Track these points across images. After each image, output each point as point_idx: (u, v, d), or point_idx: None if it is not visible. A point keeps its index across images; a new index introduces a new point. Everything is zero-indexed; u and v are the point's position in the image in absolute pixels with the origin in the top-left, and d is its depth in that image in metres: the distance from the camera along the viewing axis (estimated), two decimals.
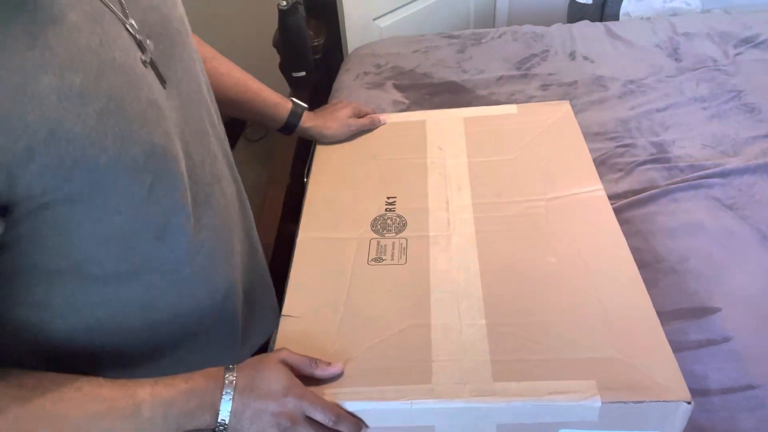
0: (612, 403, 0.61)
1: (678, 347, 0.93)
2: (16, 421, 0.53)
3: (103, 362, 0.67)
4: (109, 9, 0.56)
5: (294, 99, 1.02)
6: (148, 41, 0.60)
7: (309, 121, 1.02)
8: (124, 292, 0.63)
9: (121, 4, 0.57)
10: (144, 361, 0.70)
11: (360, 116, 1.07)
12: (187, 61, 0.67)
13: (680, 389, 0.62)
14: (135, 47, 0.58)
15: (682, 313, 0.99)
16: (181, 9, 0.68)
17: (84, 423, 0.56)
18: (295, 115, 1.00)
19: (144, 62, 0.59)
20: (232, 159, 0.78)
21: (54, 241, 0.55)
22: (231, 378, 0.62)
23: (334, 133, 1.04)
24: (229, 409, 0.60)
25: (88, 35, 0.53)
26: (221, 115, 0.93)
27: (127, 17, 0.58)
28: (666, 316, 0.98)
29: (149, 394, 0.59)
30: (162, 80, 0.61)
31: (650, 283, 1.00)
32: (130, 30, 0.58)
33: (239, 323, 0.80)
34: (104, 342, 0.65)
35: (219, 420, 0.60)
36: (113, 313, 0.64)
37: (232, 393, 0.61)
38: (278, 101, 0.99)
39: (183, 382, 0.61)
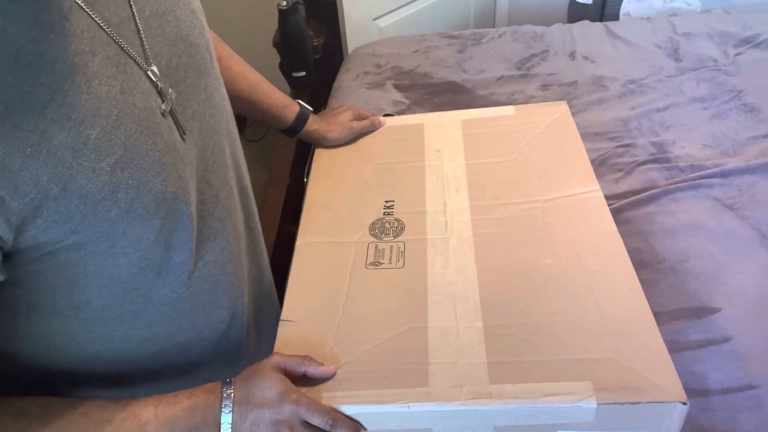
0: (608, 404, 0.61)
1: (678, 347, 0.93)
2: None
3: (103, 387, 0.67)
4: (130, 56, 0.55)
5: (301, 102, 1.03)
6: (169, 89, 0.59)
7: (314, 124, 1.03)
8: (124, 329, 0.63)
9: (143, 47, 0.57)
10: (144, 385, 0.70)
11: (360, 119, 1.07)
12: (212, 91, 0.67)
13: (676, 390, 0.62)
14: (155, 94, 0.57)
15: (682, 313, 0.99)
16: (207, 35, 0.68)
17: None
18: (302, 118, 1.01)
19: (163, 112, 0.58)
20: (248, 184, 0.78)
21: (56, 284, 0.55)
22: (228, 391, 0.62)
23: (336, 137, 1.04)
24: (230, 422, 0.61)
25: (109, 82, 0.52)
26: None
27: (149, 63, 0.57)
28: (666, 316, 0.98)
29: (153, 414, 0.59)
30: (181, 129, 0.61)
31: (650, 284, 1.01)
32: (151, 77, 0.57)
33: (245, 351, 0.79)
34: (104, 370, 0.65)
35: None
36: (112, 347, 0.64)
37: (231, 406, 0.61)
38: (287, 104, 1.00)
39: (186, 398, 0.61)
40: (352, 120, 1.05)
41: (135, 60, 0.56)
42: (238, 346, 0.78)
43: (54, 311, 0.58)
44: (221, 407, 0.61)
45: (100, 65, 0.51)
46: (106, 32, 0.53)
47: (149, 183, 0.55)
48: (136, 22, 0.57)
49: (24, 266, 0.52)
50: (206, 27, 0.68)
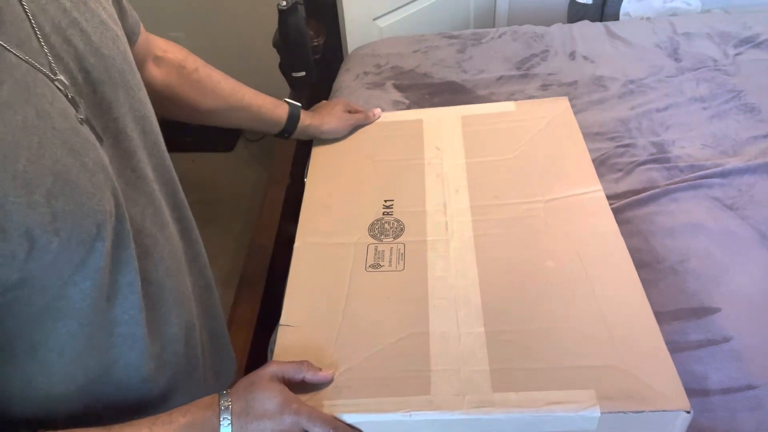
0: (611, 413, 0.61)
1: (678, 347, 0.93)
2: None
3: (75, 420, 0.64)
4: (37, 69, 0.52)
5: (288, 100, 1.01)
6: (78, 98, 0.56)
7: (306, 119, 1.01)
8: (84, 364, 0.60)
9: (49, 62, 0.53)
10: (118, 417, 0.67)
11: (353, 112, 1.06)
12: (131, 103, 0.63)
13: (679, 398, 0.62)
14: (69, 106, 0.54)
15: (682, 313, 0.99)
16: (123, 44, 0.64)
17: None
18: (294, 115, 0.99)
19: (80, 120, 0.55)
20: (182, 199, 0.74)
21: (9, 327, 0.53)
22: (226, 404, 0.61)
23: (332, 128, 1.03)
24: None
25: (23, 110, 0.49)
26: (222, 126, 0.91)
27: (55, 74, 0.54)
28: (666, 316, 0.98)
29: None
30: (98, 136, 0.57)
31: (650, 284, 1.01)
32: (60, 88, 0.54)
33: (202, 368, 0.77)
34: (70, 412, 0.63)
35: None
36: (76, 386, 0.61)
37: (230, 418, 0.60)
38: (276, 103, 0.98)
39: (181, 416, 0.60)
40: (345, 111, 1.04)
41: (45, 74, 0.53)
42: (197, 364, 0.76)
43: (10, 354, 0.55)
44: (220, 421, 0.60)
45: (10, 93, 0.48)
46: (13, 53, 0.50)
47: (85, 206, 0.52)
48: (38, 38, 0.53)
49: None
50: (122, 36, 0.64)
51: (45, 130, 0.50)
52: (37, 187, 0.49)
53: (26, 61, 0.51)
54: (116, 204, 0.57)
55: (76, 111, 0.55)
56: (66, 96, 0.54)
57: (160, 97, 0.82)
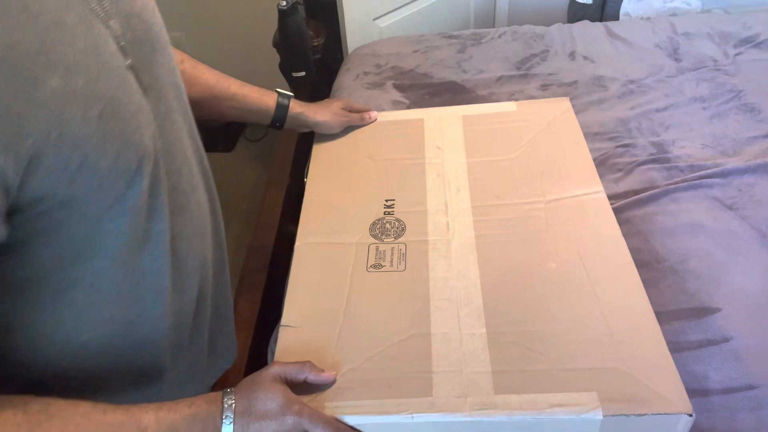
0: (613, 416, 0.61)
1: (678, 347, 0.93)
2: None
3: (92, 390, 0.66)
4: (95, 13, 0.56)
5: (279, 90, 1.01)
6: (128, 47, 0.60)
7: (297, 107, 1.01)
8: (111, 312, 0.63)
9: (103, 9, 0.57)
10: (132, 389, 0.70)
11: (351, 111, 1.06)
12: (167, 68, 0.67)
13: (682, 401, 0.62)
14: (119, 52, 0.58)
15: (682, 313, 0.99)
16: (160, 18, 0.68)
17: None
18: (282, 104, 0.99)
19: (128, 67, 0.59)
20: (208, 170, 0.78)
21: (46, 256, 0.56)
22: (230, 402, 0.62)
23: (325, 121, 1.02)
24: None
25: (85, 38, 0.53)
26: (210, 122, 0.91)
27: (108, 22, 0.57)
28: (666, 316, 0.98)
29: (154, 420, 0.58)
30: (143, 87, 0.61)
31: (650, 284, 1.01)
32: (113, 35, 0.58)
33: (205, 342, 0.79)
34: (93, 366, 0.65)
35: None
36: (100, 334, 0.64)
37: (232, 417, 0.61)
38: (263, 92, 0.99)
39: (186, 407, 0.61)
40: (342, 109, 1.05)
41: (102, 19, 0.56)
42: (201, 336, 0.77)
43: (43, 288, 0.58)
44: (222, 418, 0.61)
45: (75, 22, 0.53)
46: None
47: (131, 137, 0.56)
48: None
49: (21, 228, 0.52)
50: (157, 10, 0.68)
51: (101, 62, 0.54)
52: (91, 106, 0.52)
53: (87, 2, 0.55)
54: (154, 148, 0.60)
55: (125, 58, 0.59)
56: (117, 43, 0.58)
57: None
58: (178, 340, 0.72)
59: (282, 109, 0.99)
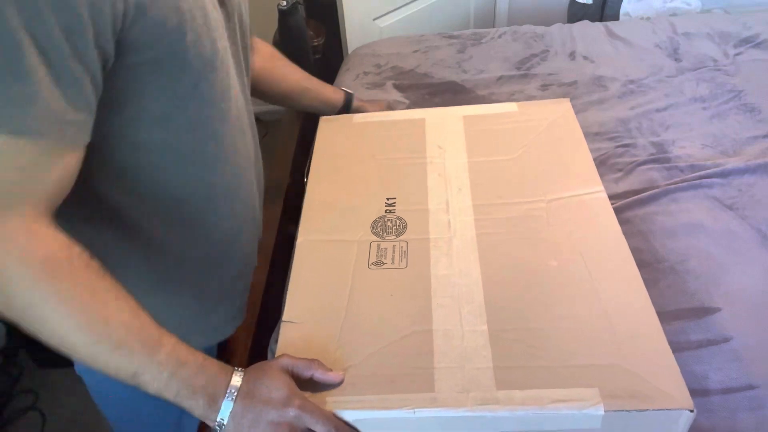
0: (615, 411, 0.61)
1: (678, 347, 0.93)
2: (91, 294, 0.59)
3: (157, 253, 0.76)
4: None
5: (344, 89, 1.18)
6: None
7: (357, 102, 1.18)
8: (223, 167, 0.76)
9: None
10: (177, 276, 0.80)
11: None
12: (243, 36, 0.79)
13: (683, 397, 0.62)
14: None
15: (682, 313, 0.99)
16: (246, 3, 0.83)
17: (116, 327, 0.59)
18: (349, 102, 1.16)
19: (219, 2, 0.71)
20: (253, 116, 0.87)
21: (132, 107, 0.65)
22: (237, 379, 0.63)
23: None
24: (230, 410, 0.61)
25: None
26: (288, 106, 1.20)
27: None
28: (666, 316, 0.98)
29: (172, 345, 0.61)
30: (226, 23, 0.73)
31: (650, 283, 1.00)
32: None
33: (234, 276, 0.89)
34: (166, 215, 0.75)
35: (218, 419, 0.61)
36: (178, 183, 0.73)
37: (235, 394, 0.61)
38: (336, 90, 1.17)
39: (202, 357, 0.63)
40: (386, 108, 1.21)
41: None
42: (234, 270, 0.89)
43: (139, 116, 0.66)
44: (226, 390, 0.62)
45: None
46: None
47: (209, 32, 0.67)
48: None
49: (119, 72, 0.60)
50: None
51: None
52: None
53: None
54: (226, 60, 0.72)
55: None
56: None
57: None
58: (237, 239, 0.85)
59: (348, 104, 1.16)
